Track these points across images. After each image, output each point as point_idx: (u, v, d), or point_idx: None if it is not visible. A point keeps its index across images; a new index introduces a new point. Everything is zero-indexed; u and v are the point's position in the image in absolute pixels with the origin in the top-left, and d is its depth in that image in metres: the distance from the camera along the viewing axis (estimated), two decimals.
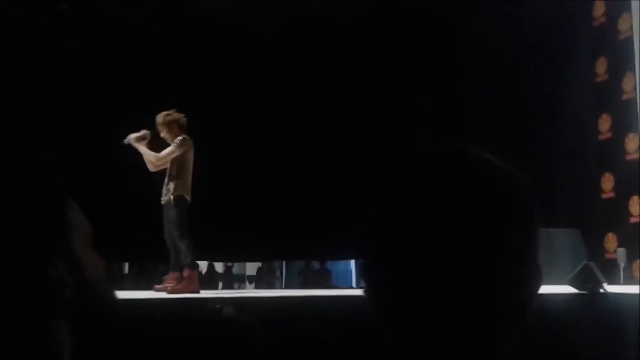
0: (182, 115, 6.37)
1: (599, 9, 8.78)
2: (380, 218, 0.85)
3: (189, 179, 6.21)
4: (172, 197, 6.02)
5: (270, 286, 11.87)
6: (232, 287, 11.99)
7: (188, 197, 6.15)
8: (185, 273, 5.89)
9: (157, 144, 6.57)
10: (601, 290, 4.62)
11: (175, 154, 6.14)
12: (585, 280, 4.67)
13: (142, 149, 6.21)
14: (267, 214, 10.38)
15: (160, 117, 6.24)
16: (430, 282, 0.78)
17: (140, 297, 4.81)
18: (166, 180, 6.19)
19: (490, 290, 0.78)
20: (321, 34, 10.31)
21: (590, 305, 4.54)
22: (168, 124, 6.20)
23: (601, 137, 8.52)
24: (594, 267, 4.74)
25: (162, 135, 6.29)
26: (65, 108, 9.55)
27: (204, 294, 6.07)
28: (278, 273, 12.88)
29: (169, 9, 9.96)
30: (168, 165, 6.21)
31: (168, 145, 6.27)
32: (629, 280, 7.44)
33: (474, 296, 0.77)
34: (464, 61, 9.61)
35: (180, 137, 6.22)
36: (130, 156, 6.54)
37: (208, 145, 10.51)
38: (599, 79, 8.66)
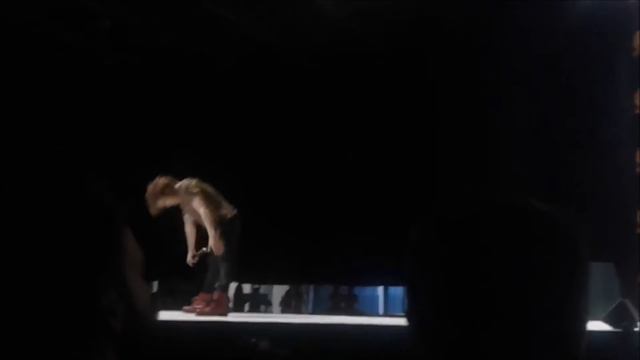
0: (162, 178, 6.23)
1: (638, 40, 8.65)
2: (431, 263, 0.86)
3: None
4: (230, 216, 6.09)
5: (297, 310, 11.81)
6: (258, 310, 11.96)
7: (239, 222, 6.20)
8: (215, 295, 5.89)
9: None
10: (636, 329, 4.48)
11: (210, 209, 6.11)
12: (621, 318, 4.54)
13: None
14: (297, 237, 10.39)
15: (150, 191, 6.12)
16: (483, 327, 0.78)
17: (170, 318, 4.79)
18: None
19: (541, 337, 0.79)
20: (345, 59, 10.36)
21: (625, 343, 4.41)
22: (161, 193, 6.12)
23: (639, 170, 8.35)
24: (629, 304, 4.61)
25: (159, 205, 6.14)
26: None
27: (231, 316, 6.05)
28: (305, 297, 12.83)
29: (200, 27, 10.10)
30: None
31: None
32: None
33: (524, 341, 0.77)
34: (501, 93, 9.55)
35: (189, 186, 6.09)
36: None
37: (240, 165, 10.61)
38: (638, 111, 8.51)
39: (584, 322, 0.81)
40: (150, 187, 6.00)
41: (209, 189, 6.15)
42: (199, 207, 6.04)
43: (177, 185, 6.03)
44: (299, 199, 10.70)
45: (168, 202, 6.01)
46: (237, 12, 9.68)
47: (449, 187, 9.73)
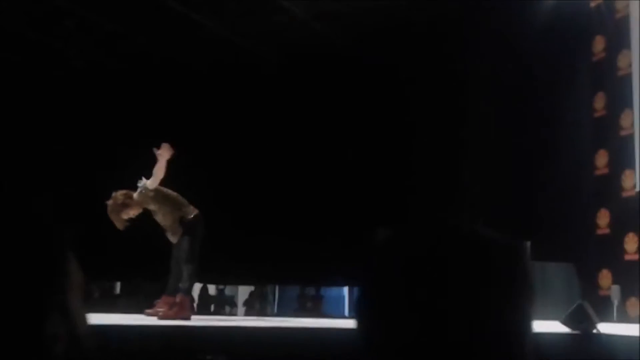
0: (119, 192, 6.15)
1: (598, 44, 8.83)
2: (376, 282, 0.88)
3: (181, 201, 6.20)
4: (191, 216, 6.02)
5: (262, 311, 11.79)
6: (224, 311, 11.91)
7: (201, 221, 6.14)
8: (179, 298, 5.83)
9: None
10: (594, 331, 4.57)
11: (168, 210, 6.05)
12: (579, 320, 4.63)
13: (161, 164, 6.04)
14: (262, 238, 10.38)
15: (111, 207, 6.03)
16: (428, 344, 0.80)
17: (132, 322, 4.74)
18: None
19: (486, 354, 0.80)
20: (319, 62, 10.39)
21: (583, 346, 4.50)
22: (122, 206, 6.04)
23: (598, 172, 8.53)
24: (588, 307, 4.70)
25: (124, 218, 6.06)
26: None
27: (195, 319, 6.01)
28: (270, 297, 12.81)
29: (173, 32, 10.03)
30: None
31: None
32: (623, 318, 7.40)
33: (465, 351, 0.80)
34: (461, 94, 9.66)
35: (144, 189, 6.03)
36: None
37: (207, 165, 10.56)
38: (597, 114, 8.68)
39: (527, 343, 0.85)
40: (110, 203, 5.92)
41: (163, 189, 6.05)
42: (156, 209, 5.99)
43: (135, 193, 5.95)
44: (266, 200, 10.69)
45: (132, 212, 5.94)
46: (209, 15, 9.64)
47: (414, 188, 9.81)
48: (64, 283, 0.98)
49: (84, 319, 1.01)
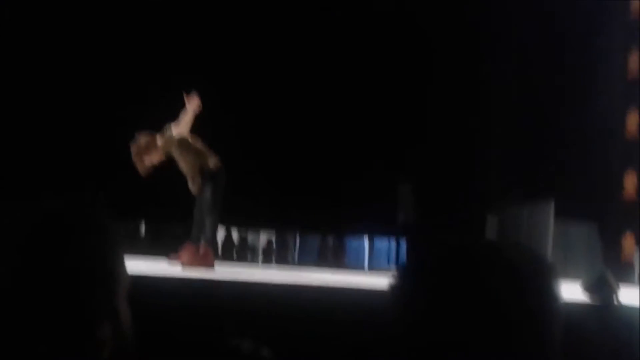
0: (142, 136, 6.11)
1: (637, 3, 8.58)
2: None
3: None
4: (212, 166, 6.04)
5: (283, 259, 11.91)
6: (245, 258, 12.05)
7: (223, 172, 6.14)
8: (202, 249, 5.91)
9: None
10: (616, 302, 4.58)
11: (190, 159, 6.04)
12: (601, 289, 4.63)
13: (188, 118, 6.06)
14: (285, 184, 10.44)
15: (135, 152, 6.00)
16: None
17: (157, 272, 4.83)
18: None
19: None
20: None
21: (605, 315, 4.52)
22: (145, 151, 6.01)
23: (628, 135, 8.40)
24: (610, 276, 4.70)
25: (147, 164, 6.03)
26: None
27: (218, 268, 6.10)
28: (292, 245, 12.92)
29: None
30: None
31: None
32: None
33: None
34: (489, 48, 9.49)
35: (168, 137, 6.02)
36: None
37: (227, 111, 10.55)
38: (631, 76, 8.50)
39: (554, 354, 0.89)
40: (134, 148, 5.92)
41: (189, 138, 6.04)
42: (178, 158, 6.01)
43: (159, 139, 5.94)
44: (288, 148, 10.70)
45: (154, 158, 5.93)
46: None
47: (433, 147, 9.78)
48: (117, 287, 1.00)
49: (128, 319, 1.04)
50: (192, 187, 6.08)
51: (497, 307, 0.87)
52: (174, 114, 6.32)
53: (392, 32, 10.25)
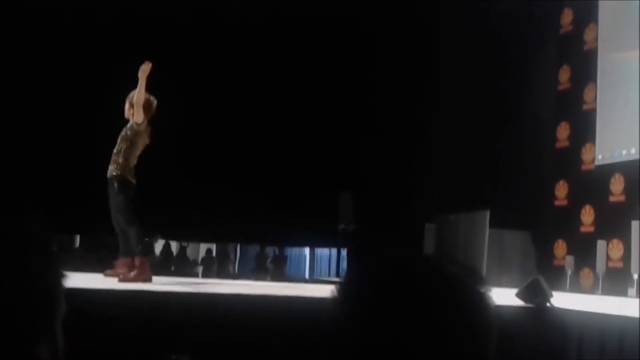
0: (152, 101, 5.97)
1: (566, 17, 8.88)
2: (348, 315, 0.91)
3: (134, 161, 5.89)
4: (114, 174, 5.77)
5: (223, 271, 11.79)
6: (184, 270, 11.89)
7: (131, 179, 5.87)
8: (137, 261, 5.76)
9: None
10: (548, 305, 4.71)
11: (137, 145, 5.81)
12: (534, 294, 4.75)
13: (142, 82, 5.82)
14: (226, 196, 10.36)
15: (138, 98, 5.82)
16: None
17: (90, 287, 4.71)
18: (114, 154, 5.91)
19: None
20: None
21: (538, 319, 4.64)
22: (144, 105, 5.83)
23: (559, 144, 8.67)
24: (543, 281, 4.82)
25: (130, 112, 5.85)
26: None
27: (156, 280, 5.99)
28: (232, 256, 12.83)
29: None
30: (118, 140, 5.92)
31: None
32: (575, 288, 7.62)
33: None
34: (430, 58, 9.68)
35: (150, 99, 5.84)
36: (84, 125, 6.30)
37: (175, 119, 10.43)
38: (561, 87, 8.79)
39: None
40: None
41: (141, 141, 5.86)
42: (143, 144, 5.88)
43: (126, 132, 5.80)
44: (232, 158, 10.64)
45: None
46: None
47: (373, 157, 9.89)
48: (56, 306, 0.98)
49: (62, 343, 1.02)
50: (116, 185, 5.81)
51: (432, 317, 0.90)
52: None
53: (334, 44, 10.34)
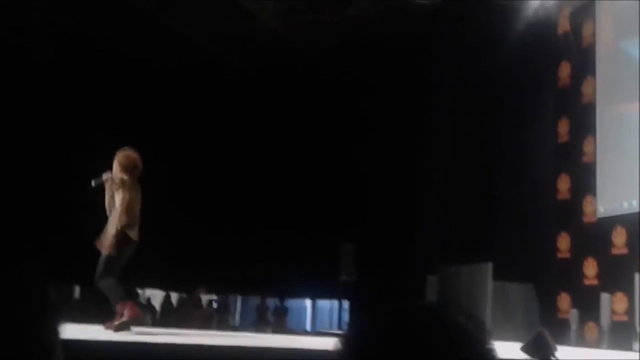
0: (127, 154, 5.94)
1: (564, 70, 9.00)
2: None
3: (131, 216, 5.82)
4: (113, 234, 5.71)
5: (224, 323, 11.66)
6: (185, 323, 11.75)
7: (132, 236, 5.76)
8: (119, 308, 5.66)
9: None
10: (552, 359, 4.66)
11: (125, 199, 5.75)
12: (538, 347, 4.71)
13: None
14: (227, 248, 10.33)
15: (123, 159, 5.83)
16: None
17: (84, 339, 4.65)
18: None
19: None
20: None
21: None
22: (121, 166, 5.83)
23: (560, 197, 8.67)
24: (547, 335, 4.79)
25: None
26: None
27: (156, 332, 5.93)
28: (232, 308, 12.71)
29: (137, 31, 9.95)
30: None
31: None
32: (580, 342, 7.52)
33: None
34: (428, 110, 9.78)
35: (119, 178, 5.80)
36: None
37: (168, 176, 10.48)
38: (560, 140, 8.84)
39: None
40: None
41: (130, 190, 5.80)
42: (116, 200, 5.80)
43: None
44: (230, 211, 10.65)
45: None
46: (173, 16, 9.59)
47: (375, 209, 9.90)
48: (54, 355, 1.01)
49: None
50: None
51: None
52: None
53: (333, 94, 10.47)
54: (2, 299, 0.99)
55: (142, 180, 5.93)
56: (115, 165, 5.76)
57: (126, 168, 5.73)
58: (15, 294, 1.01)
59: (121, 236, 5.64)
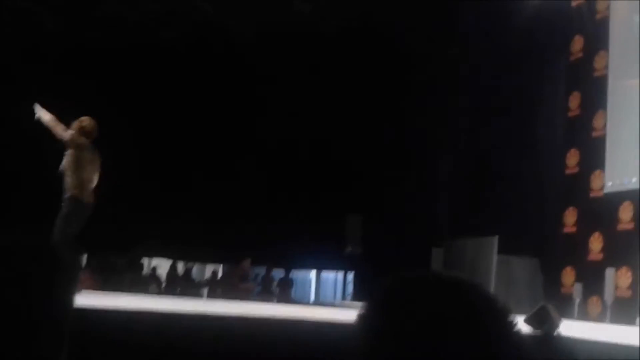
0: (88, 119, 5.92)
1: (577, 44, 8.88)
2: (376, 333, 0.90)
3: (85, 177, 5.76)
4: (66, 196, 5.70)
5: (227, 293, 11.71)
6: (189, 291, 11.83)
7: (84, 197, 5.75)
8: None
9: None
10: (556, 333, 4.65)
11: (74, 159, 5.72)
12: (542, 321, 4.69)
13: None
14: (231, 218, 10.36)
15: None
16: None
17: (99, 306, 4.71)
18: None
19: None
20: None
21: (545, 346, 4.57)
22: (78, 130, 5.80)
23: (568, 171, 8.61)
24: (551, 308, 4.77)
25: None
26: None
27: (162, 301, 5.96)
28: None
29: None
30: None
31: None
32: (583, 316, 7.53)
33: None
34: (439, 82, 9.70)
35: (71, 132, 5.78)
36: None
37: (188, 144, 10.49)
38: (571, 114, 8.75)
39: None
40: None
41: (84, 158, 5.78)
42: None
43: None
44: (237, 182, 10.66)
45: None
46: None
47: (381, 180, 9.87)
48: (67, 324, 1.03)
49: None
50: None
51: (461, 342, 0.89)
52: None
53: (340, 61, 10.38)
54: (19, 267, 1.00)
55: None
56: (78, 128, 5.75)
57: (84, 131, 5.74)
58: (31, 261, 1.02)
59: (72, 198, 5.64)
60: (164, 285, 11.46)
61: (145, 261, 12.00)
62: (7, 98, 9.09)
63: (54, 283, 1.02)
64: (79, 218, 5.72)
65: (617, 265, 7.39)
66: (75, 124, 5.83)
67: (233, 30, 10.37)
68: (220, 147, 10.77)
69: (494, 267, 7.84)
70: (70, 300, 1.04)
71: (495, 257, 7.88)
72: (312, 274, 12.83)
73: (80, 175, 5.77)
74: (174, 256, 12.22)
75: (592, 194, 8.20)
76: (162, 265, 12.39)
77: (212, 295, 10.40)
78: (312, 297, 12.43)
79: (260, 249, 10.66)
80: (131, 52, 10.55)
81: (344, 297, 11.04)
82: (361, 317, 0.93)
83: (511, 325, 0.93)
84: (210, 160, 10.75)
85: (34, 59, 10.20)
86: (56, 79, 9.65)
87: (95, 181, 5.85)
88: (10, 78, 9.76)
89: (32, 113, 5.81)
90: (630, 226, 7.51)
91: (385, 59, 10.05)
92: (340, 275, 11.74)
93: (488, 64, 9.12)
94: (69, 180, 5.74)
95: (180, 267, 12.11)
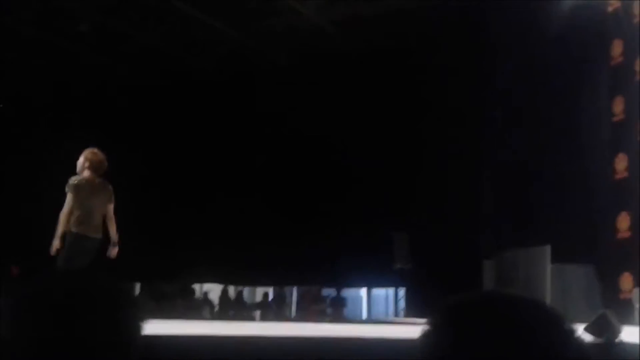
0: (92, 153, 5.96)
1: (616, 48, 8.80)
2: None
3: (81, 213, 5.79)
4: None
5: (280, 314, 11.79)
6: (242, 315, 11.93)
7: (82, 232, 5.72)
8: None
9: None
10: (617, 340, 4.59)
11: (70, 202, 5.73)
12: (603, 329, 4.64)
13: None
14: (282, 240, 10.44)
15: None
16: None
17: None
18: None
19: None
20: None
21: (607, 355, 4.52)
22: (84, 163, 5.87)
23: (617, 176, 8.51)
24: (612, 315, 4.71)
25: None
26: None
27: (214, 325, 6.03)
28: (288, 299, 12.81)
29: None
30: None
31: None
32: None
33: None
34: (481, 91, 9.68)
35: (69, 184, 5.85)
36: None
37: (226, 167, 10.64)
38: (615, 119, 8.66)
39: None
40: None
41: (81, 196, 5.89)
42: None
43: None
44: (281, 204, 10.75)
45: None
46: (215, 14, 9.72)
47: (428, 194, 9.85)
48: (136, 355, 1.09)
49: None
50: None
51: (525, 356, 0.91)
52: None
53: (379, 86, 10.45)
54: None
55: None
56: (83, 163, 5.81)
57: (93, 165, 5.79)
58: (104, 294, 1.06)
59: (73, 235, 5.66)
60: (216, 309, 11.58)
61: (197, 287, 12.14)
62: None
63: (127, 320, 1.07)
64: (80, 254, 5.66)
65: None
66: (80, 160, 5.86)
67: (256, 55, 10.53)
68: (263, 171, 10.90)
69: (549, 277, 7.75)
70: (139, 334, 1.10)
71: (549, 267, 7.80)
72: (363, 291, 12.83)
73: (76, 212, 5.75)
74: (224, 280, 12.36)
75: None
76: (213, 290, 12.51)
77: (265, 317, 10.46)
78: (364, 314, 12.39)
79: (311, 269, 10.72)
80: (153, 82, 10.79)
81: (396, 313, 10.99)
82: (427, 334, 0.96)
83: (573, 335, 0.95)
84: (252, 185, 10.88)
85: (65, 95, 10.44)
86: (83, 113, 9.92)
87: (98, 215, 5.84)
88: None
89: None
90: None
91: (421, 76, 10.10)
92: (391, 291, 11.70)
93: (525, 73, 9.09)
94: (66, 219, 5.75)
95: (232, 290, 12.22)
